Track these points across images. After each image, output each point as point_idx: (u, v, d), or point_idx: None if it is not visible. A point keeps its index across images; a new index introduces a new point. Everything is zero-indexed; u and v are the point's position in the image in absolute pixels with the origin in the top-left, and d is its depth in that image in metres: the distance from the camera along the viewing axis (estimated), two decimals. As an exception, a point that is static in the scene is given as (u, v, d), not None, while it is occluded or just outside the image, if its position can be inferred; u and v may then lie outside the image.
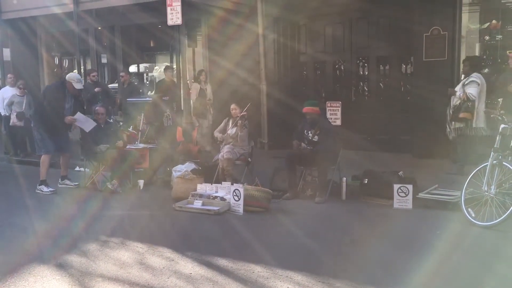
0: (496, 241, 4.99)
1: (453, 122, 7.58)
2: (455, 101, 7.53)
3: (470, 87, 7.33)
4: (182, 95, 9.99)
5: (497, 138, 5.56)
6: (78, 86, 7.44)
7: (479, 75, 7.47)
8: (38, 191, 7.56)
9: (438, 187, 6.48)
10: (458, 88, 7.56)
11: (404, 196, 6.21)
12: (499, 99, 6.86)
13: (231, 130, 7.55)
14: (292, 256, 4.67)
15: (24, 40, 12.46)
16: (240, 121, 7.40)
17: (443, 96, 7.93)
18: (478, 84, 7.33)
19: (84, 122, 7.60)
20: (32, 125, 7.89)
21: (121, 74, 10.84)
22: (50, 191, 7.55)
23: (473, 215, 5.41)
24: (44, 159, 7.64)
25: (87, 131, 7.62)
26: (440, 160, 8.30)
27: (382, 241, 5.06)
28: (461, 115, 7.36)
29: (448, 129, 7.75)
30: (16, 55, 12.58)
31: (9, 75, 11.02)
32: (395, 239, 5.11)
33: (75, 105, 7.64)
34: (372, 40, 10.37)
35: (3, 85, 11.35)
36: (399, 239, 5.12)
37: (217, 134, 7.76)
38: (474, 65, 7.63)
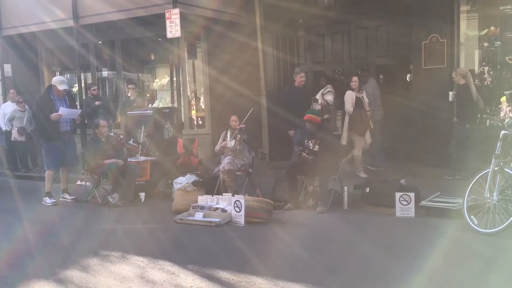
0: (499, 249, 4.93)
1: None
2: (316, 106, 8.76)
3: (328, 95, 8.95)
4: (182, 108, 9.96)
5: (498, 144, 5.52)
6: (62, 87, 7.71)
7: (331, 85, 9.17)
8: (43, 202, 7.74)
9: (440, 194, 6.45)
10: (318, 96, 9.01)
11: (406, 205, 6.17)
12: (499, 106, 6.87)
13: (230, 143, 7.54)
14: (294, 268, 4.62)
15: (24, 56, 12.50)
16: (238, 136, 7.37)
17: (443, 103, 8.17)
18: (333, 93, 8.97)
19: (70, 114, 7.83)
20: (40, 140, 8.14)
21: (130, 86, 10.56)
22: (52, 202, 7.73)
23: (476, 222, 5.36)
24: (49, 173, 7.87)
25: (75, 119, 7.96)
26: (442, 168, 8.25)
27: (385, 250, 5.01)
28: (325, 116, 8.73)
29: None
30: (17, 70, 12.63)
31: (11, 91, 11.09)
32: (398, 249, 5.06)
33: (71, 105, 7.99)
34: (371, 49, 10.39)
35: (4, 101, 11.40)
36: (402, 248, 5.07)
37: (217, 147, 7.72)
38: (328, 79, 9.87)
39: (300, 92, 8.73)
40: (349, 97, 8.54)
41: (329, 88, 9.16)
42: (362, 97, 8.67)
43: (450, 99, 8.50)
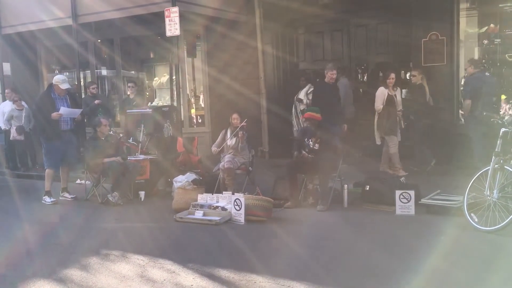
0: (499, 246, 4.93)
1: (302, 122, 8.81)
2: (301, 107, 9.05)
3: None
4: (182, 107, 9.95)
5: (498, 142, 5.52)
6: (64, 86, 7.65)
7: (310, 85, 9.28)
8: (43, 201, 7.72)
9: (441, 192, 6.44)
10: (302, 96, 9.19)
11: (407, 202, 6.16)
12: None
13: (231, 141, 7.53)
14: (294, 266, 4.62)
15: (23, 55, 12.50)
16: (241, 132, 7.37)
17: (443, 101, 8.34)
18: None
19: (70, 113, 7.78)
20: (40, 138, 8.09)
21: (129, 85, 10.58)
22: (52, 201, 7.71)
23: (476, 220, 5.36)
24: (49, 172, 7.84)
25: (76, 118, 7.89)
26: (445, 165, 8.25)
27: (385, 249, 5.00)
28: None
29: (296, 128, 9.23)
30: (16, 69, 12.62)
31: (6, 90, 11.05)
32: (398, 247, 5.06)
33: (72, 104, 7.91)
34: (370, 47, 10.38)
35: (4, 100, 11.37)
36: (402, 246, 5.07)
37: (214, 148, 7.67)
38: (308, 78, 9.65)
39: (331, 89, 8.45)
40: (381, 94, 8.15)
41: (313, 87, 9.20)
42: (395, 95, 8.27)
43: (403, 96, 8.76)
